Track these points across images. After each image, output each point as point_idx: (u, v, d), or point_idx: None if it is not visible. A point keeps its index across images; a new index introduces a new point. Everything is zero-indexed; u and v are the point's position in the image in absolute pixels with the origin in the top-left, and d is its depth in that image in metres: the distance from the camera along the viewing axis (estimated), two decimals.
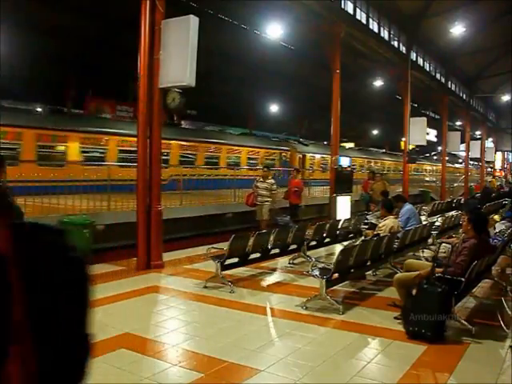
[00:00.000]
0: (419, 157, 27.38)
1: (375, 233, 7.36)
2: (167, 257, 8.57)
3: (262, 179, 11.15)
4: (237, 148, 23.39)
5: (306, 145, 29.04)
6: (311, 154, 28.29)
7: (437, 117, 30.11)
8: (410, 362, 4.18)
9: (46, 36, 18.33)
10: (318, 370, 4.04)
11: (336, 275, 5.94)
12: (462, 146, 32.44)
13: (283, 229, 8.42)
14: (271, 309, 5.91)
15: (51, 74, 19.90)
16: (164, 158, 16.95)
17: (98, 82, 20.56)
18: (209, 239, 9.90)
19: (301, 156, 26.88)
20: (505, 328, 4.98)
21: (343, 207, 14.40)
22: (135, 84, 8.06)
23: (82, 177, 11.64)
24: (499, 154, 45.08)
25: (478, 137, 38.82)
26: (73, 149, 16.23)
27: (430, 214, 14.27)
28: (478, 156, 36.45)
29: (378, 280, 7.34)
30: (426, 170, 43.22)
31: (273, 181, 11.19)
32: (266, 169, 11.64)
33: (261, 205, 10.99)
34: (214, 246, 7.48)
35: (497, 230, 8.67)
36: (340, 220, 10.27)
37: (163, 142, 15.98)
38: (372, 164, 34.82)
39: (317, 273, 5.96)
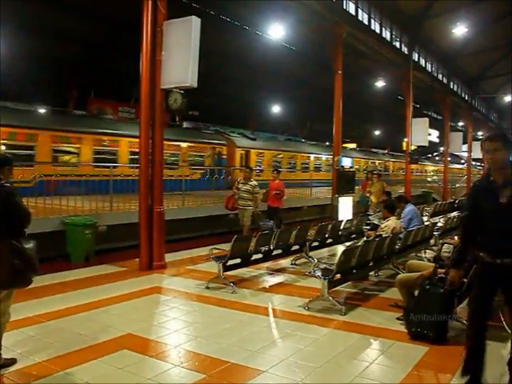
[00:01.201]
0: (421, 157, 27.24)
1: (377, 233, 7.35)
2: (169, 257, 8.58)
3: (243, 181, 10.38)
4: None
5: (253, 138, 24.96)
6: (259, 150, 24.18)
7: (439, 117, 30.08)
8: (412, 362, 4.17)
9: (49, 38, 18.41)
10: (320, 370, 4.04)
11: (338, 276, 5.94)
12: (464, 147, 32.42)
13: (271, 232, 7.94)
14: (273, 309, 5.91)
15: (53, 75, 19.97)
16: (29, 152, 14.67)
17: (100, 83, 20.62)
18: (212, 240, 9.90)
19: (243, 152, 23.02)
20: (507, 328, 4.97)
21: (345, 208, 14.40)
22: (137, 85, 8.07)
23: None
24: None
25: (480, 137, 38.75)
26: None
27: (432, 215, 14.27)
28: (480, 157, 36.37)
29: (380, 281, 7.33)
30: (427, 170, 43.10)
31: (255, 182, 10.41)
32: (247, 169, 10.79)
33: (243, 209, 10.29)
34: (217, 246, 7.48)
35: None
36: (342, 221, 10.27)
37: (26, 131, 15.13)
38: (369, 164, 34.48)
39: (319, 273, 5.96)
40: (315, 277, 5.97)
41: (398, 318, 5.26)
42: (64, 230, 9.07)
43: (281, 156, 25.88)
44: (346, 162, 15.64)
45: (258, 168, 22.62)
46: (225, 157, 22.15)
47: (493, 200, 3.32)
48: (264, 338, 4.82)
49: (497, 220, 3.33)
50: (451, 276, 3.81)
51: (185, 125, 25.53)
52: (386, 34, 20.70)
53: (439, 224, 10.50)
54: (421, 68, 24.27)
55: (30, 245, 3.82)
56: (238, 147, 22.79)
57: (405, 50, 22.04)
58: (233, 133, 25.09)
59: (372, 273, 7.43)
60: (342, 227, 9.77)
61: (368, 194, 13.73)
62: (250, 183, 10.29)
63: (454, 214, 13.13)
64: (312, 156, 29.04)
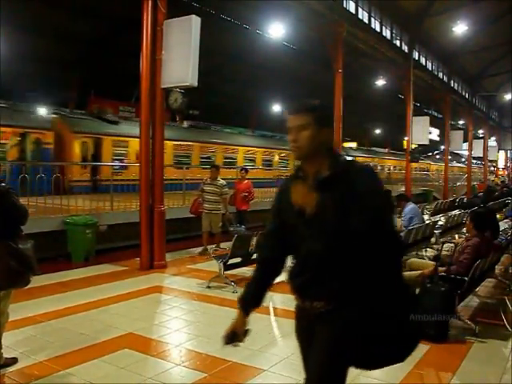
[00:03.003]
0: (422, 156, 27.20)
1: None
2: (170, 257, 8.58)
3: (209, 180, 9.21)
4: None
5: (113, 122, 18.09)
6: (120, 138, 17.53)
7: (439, 116, 30.07)
8: (413, 361, 4.16)
9: (48, 37, 18.40)
10: None
11: None
12: (465, 145, 32.41)
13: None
14: (274, 308, 5.90)
15: (53, 75, 19.96)
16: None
17: (100, 82, 20.61)
18: (212, 239, 9.87)
19: (88, 141, 16.80)
20: (508, 327, 4.97)
21: None
22: (138, 84, 8.07)
23: None
24: (502, 152, 45.00)
25: (481, 136, 38.76)
26: None
27: (433, 213, 14.24)
28: (481, 155, 36.42)
29: None
30: (428, 169, 43.02)
31: (223, 182, 9.22)
32: (213, 168, 9.51)
33: (208, 213, 9.09)
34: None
35: (500, 229, 8.63)
36: None
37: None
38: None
39: None
40: None
41: None
42: (65, 229, 9.08)
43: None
44: None
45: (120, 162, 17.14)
46: (49, 147, 15.73)
47: (297, 207, 1.97)
48: (265, 336, 4.82)
49: (302, 239, 2.03)
50: (232, 325, 2.27)
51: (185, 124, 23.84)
52: (387, 33, 20.68)
53: (440, 223, 10.47)
54: (421, 66, 24.24)
55: (27, 245, 3.81)
56: (78, 133, 16.30)
57: (405, 48, 22.01)
58: (63, 112, 18.04)
59: None
60: None
61: None
62: (217, 183, 9.13)
63: (455, 212, 13.12)
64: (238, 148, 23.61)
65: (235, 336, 2.22)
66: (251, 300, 2.35)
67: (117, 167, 16.58)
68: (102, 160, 16.88)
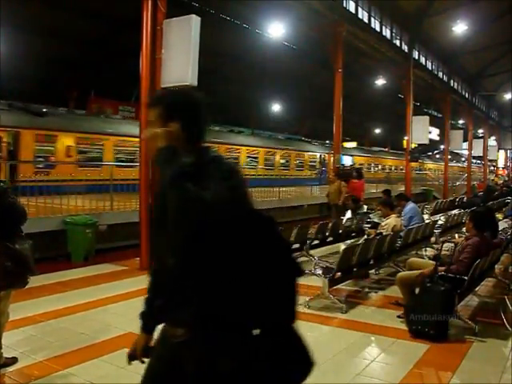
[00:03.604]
0: (422, 155, 27.11)
1: (378, 232, 7.35)
2: None
3: None
4: None
5: (39, 114, 15.12)
6: (47, 132, 14.88)
7: (439, 115, 30.07)
8: (413, 360, 4.17)
9: (48, 36, 18.41)
10: (321, 368, 4.00)
11: (339, 274, 5.93)
12: (465, 145, 32.41)
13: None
14: None
15: (53, 74, 19.97)
16: None
17: (100, 82, 20.62)
18: None
19: (1, 135, 13.90)
20: (508, 326, 4.97)
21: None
22: (138, 84, 8.07)
23: None
24: (502, 152, 44.98)
25: (481, 135, 38.76)
26: None
27: (433, 213, 14.24)
28: (481, 154, 36.42)
29: (381, 279, 7.33)
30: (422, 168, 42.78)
31: None
32: None
33: None
34: None
35: (499, 229, 8.63)
36: (343, 219, 10.26)
37: None
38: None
39: (319, 272, 5.96)
40: (316, 275, 5.96)
41: (398, 316, 5.25)
42: (65, 229, 9.08)
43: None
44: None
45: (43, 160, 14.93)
46: None
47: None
48: None
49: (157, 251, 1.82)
50: (134, 343, 2.13)
51: None
52: (386, 33, 20.68)
53: (440, 222, 10.47)
54: (421, 66, 24.23)
55: (25, 245, 3.79)
56: None
57: (405, 48, 22.01)
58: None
59: (373, 271, 7.42)
60: (342, 225, 9.77)
61: (327, 197, 12.50)
62: None
63: (455, 211, 13.11)
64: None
65: (135, 354, 1.97)
66: (155, 317, 2.01)
67: (41, 166, 14.59)
68: (21, 157, 14.30)
